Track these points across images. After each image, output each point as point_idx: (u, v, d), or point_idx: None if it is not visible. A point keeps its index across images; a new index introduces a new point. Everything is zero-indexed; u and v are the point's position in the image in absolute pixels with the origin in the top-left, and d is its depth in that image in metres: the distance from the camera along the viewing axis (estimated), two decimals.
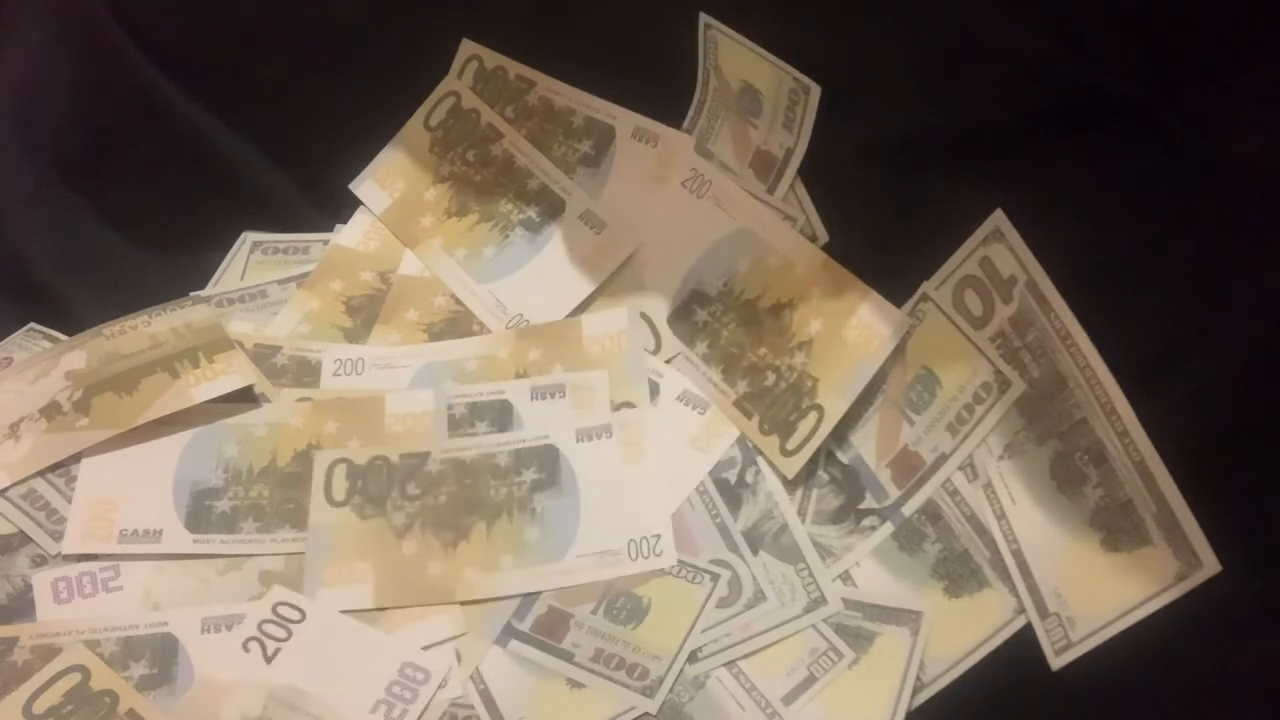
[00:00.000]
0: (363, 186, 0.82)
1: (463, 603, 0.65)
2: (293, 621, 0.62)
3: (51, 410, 0.68)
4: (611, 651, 0.63)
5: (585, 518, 0.67)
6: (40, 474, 0.67)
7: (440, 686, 0.61)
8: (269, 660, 0.61)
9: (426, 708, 0.60)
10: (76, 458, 0.67)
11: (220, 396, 0.70)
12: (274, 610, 0.63)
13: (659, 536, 0.66)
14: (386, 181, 0.82)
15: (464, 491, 0.67)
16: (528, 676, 0.63)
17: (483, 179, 0.80)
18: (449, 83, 0.82)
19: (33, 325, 0.76)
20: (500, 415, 0.70)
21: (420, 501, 0.67)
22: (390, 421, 0.70)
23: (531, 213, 0.78)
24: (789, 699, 0.61)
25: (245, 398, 0.71)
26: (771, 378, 0.69)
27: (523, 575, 0.65)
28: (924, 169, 0.67)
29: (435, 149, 0.82)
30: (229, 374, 0.70)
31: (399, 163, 0.82)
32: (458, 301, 0.77)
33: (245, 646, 0.61)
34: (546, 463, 0.68)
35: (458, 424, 0.70)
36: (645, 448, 0.69)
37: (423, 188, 0.81)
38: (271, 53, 0.78)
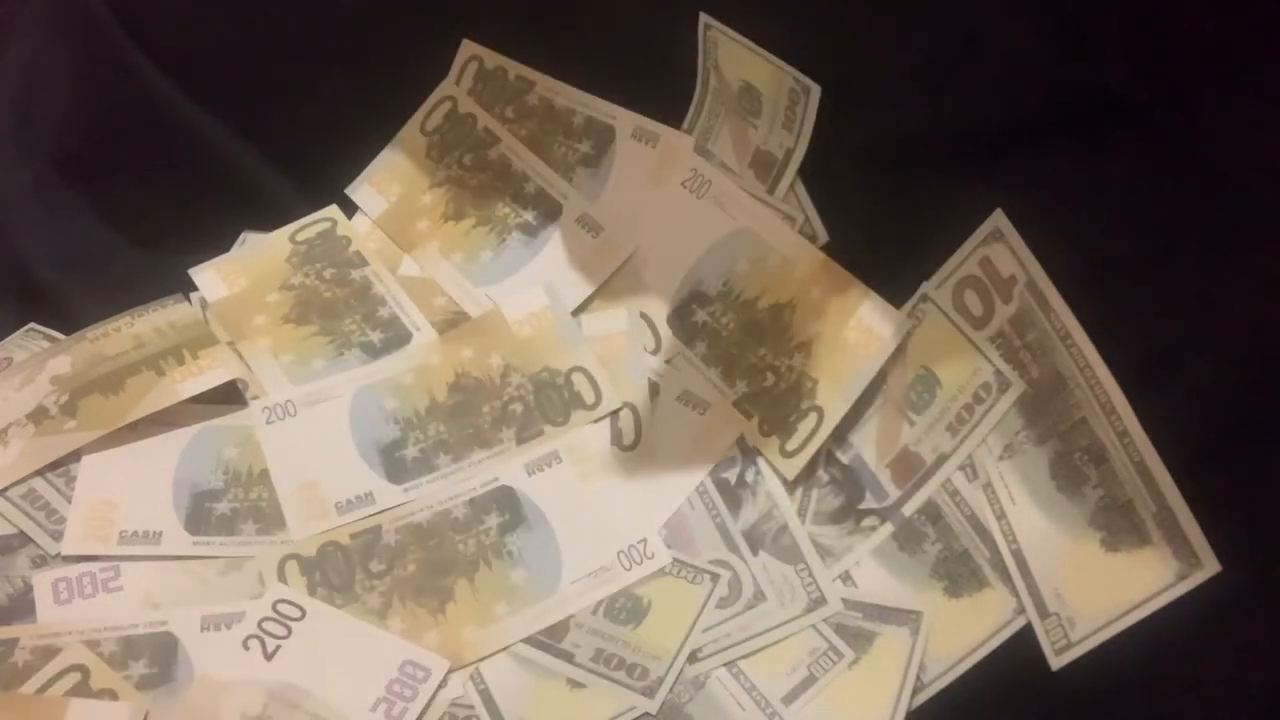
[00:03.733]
0: (359, 191, 0.82)
1: (473, 662, 0.63)
2: (293, 619, 0.62)
3: (39, 415, 0.68)
4: (611, 651, 0.63)
5: (565, 544, 0.66)
6: (39, 473, 0.67)
7: (440, 686, 0.61)
8: (269, 658, 0.61)
9: (427, 706, 0.60)
10: (76, 456, 0.67)
11: (210, 393, 0.69)
12: (274, 608, 0.62)
13: (644, 540, 0.66)
14: (382, 186, 0.82)
15: (431, 554, 0.66)
16: (528, 676, 0.63)
17: (479, 183, 0.80)
18: (445, 88, 0.82)
19: (33, 325, 0.75)
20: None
21: (389, 576, 0.65)
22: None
23: (528, 216, 0.78)
24: (789, 699, 0.61)
25: (235, 397, 0.71)
26: (771, 378, 0.69)
27: (522, 618, 0.64)
28: (924, 169, 0.67)
29: (431, 153, 0.82)
30: (214, 369, 0.70)
31: (395, 167, 0.82)
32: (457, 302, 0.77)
33: (245, 644, 0.61)
34: (506, 504, 0.68)
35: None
36: (600, 463, 0.69)
37: (419, 192, 0.81)
38: (271, 53, 0.78)
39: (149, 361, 0.70)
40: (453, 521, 0.67)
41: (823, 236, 0.72)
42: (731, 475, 0.69)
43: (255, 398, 0.71)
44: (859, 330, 0.66)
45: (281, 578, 0.65)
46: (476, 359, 0.72)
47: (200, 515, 0.67)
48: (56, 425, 0.67)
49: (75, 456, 0.67)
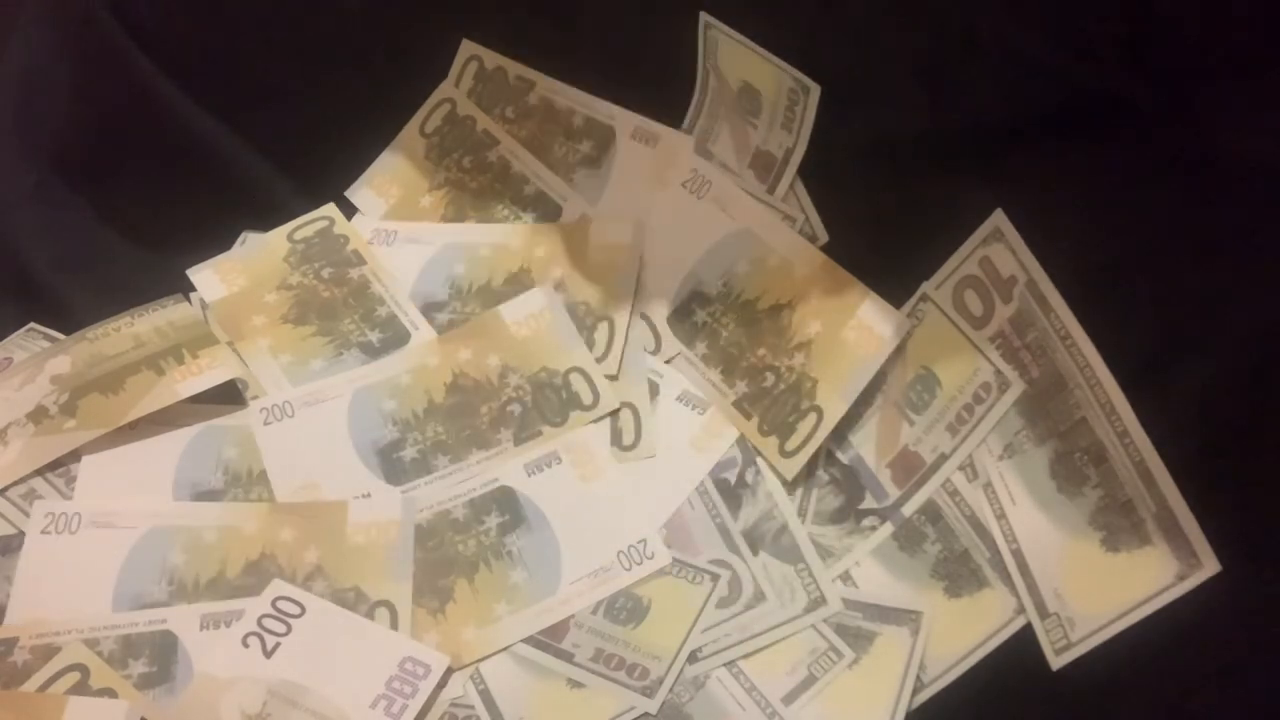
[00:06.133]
0: (359, 194, 0.82)
1: (473, 662, 0.63)
2: (292, 616, 0.62)
3: (38, 415, 0.68)
4: (611, 651, 0.63)
5: (565, 544, 0.66)
6: (39, 473, 0.67)
7: (440, 684, 0.61)
8: (268, 655, 0.61)
9: (428, 704, 0.60)
10: (75, 456, 0.67)
11: (211, 393, 0.69)
12: (273, 605, 0.62)
13: (645, 541, 0.66)
14: (382, 189, 0.82)
15: (431, 554, 0.66)
16: (528, 676, 0.63)
17: (479, 185, 0.80)
18: (444, 89, 0.82)
19: (33, 325, 0.75)
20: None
21: None
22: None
23: (528, 218, 0.78)
24: (789, 699, 0.61)
25: (235, 397, 0.71)
26: (771, 379, 0.69)
27: (522, 618, 0.64)
28: (924, 169, 0.67)
29: (431, 156, 0.82)
30: (213, 369, 0.70)
31: (395, 170, 0.82)
32: None
33: (245, 642, 0.61)
34: (506, 504, 0.68)
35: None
36: (600, 463, 0.69)
37: (418, 194, 0.81)
38: (271, 53, 0.78)
39: (149, 361, 0.70)
40: (452, 522, 0.67)
41: (823, 236, 0.72)
42: (731, 475, 0.69)
43: (255, 398, 0.71)
44: (859, 330, 0.66)
45: None
46: (474, 360, 0.72)
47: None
48: (56, 425, 0.67)
49: (75, 456, 0.67)
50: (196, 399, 0.69)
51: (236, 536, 0.66)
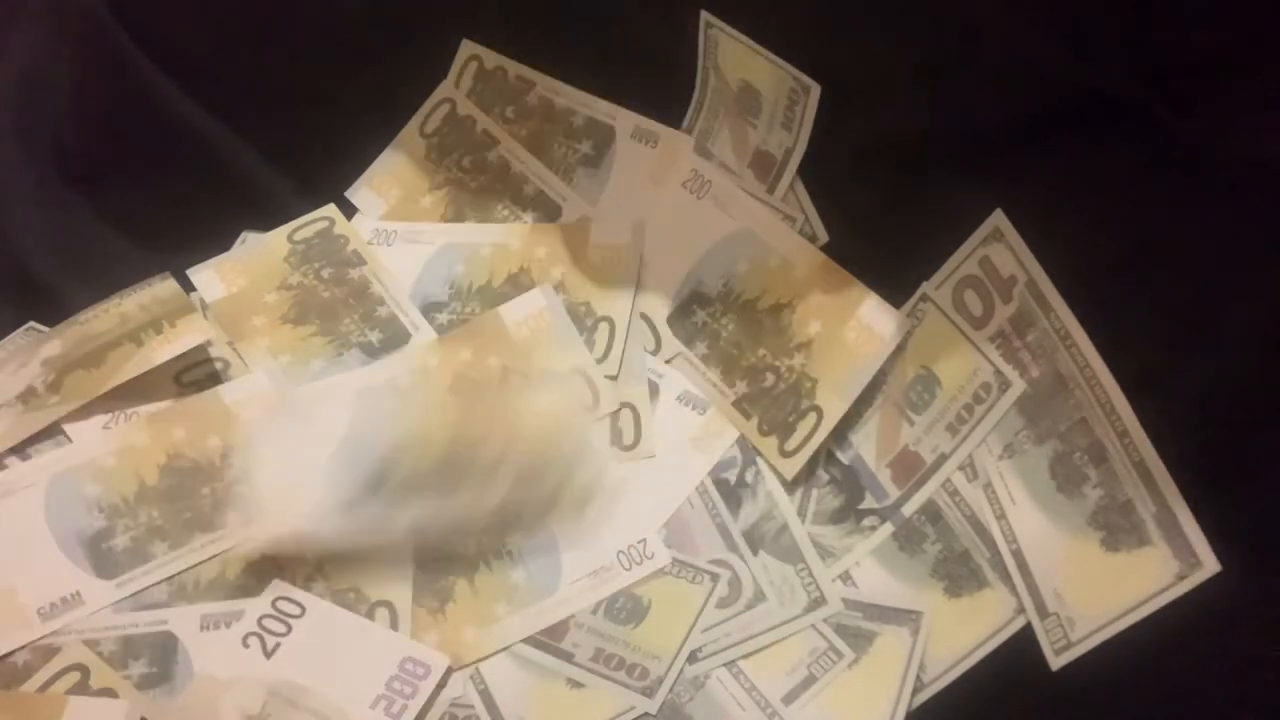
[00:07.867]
0: (359, 194, 0.82)
1: (473, 662, 0.63)
2: (292, 616, 0.62)
3: (28, 395, 0.68)
4: (611, 651, 0.63)
5: (565, 544, 0.66)
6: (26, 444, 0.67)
7: (440, 684, 0.61)
8: (268, 656, 0.61)
9: (427, 704, 0.60)
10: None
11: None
12: (274, 605, 0.62)
13: (644, 540, 0.66)
14: (382, 189, 0.82)
15: (431, 555, 0.66)
16: (528, 676, 0.63)
17: (479, 185, 0.80)
18: (444, 90, 0.82)
19: (32, 325, 0.76)
20: None
21: None
22: None
23: (528, 218, 0.78)
24: (789, 699, 0.61)
25: (200, 378, 0.71)
26: (770, 379, 0.69)
27: (522, 618, 0.64)
28: (924, 169, 0.67)
29: (431, 156, 0.82)
30: (188, 334, 0.70)
31: (395, 170, 0.82)
32: None
33: (245, 642, 0.61)
34: None
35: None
36: (601, 464, 0.69)
37: (419, 195, 0.81)
38: (272, 53, 0.78)
39: (130, 335, 0.70)
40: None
41: (823, 236, 0.72)
42: (731, 475, 0.69)
43: (220, 358, 0.72)
44: (859, 330, 0.66)
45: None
46: (474, 360, 0.72)
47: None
48: (42, 403, 0.68)
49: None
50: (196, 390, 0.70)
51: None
